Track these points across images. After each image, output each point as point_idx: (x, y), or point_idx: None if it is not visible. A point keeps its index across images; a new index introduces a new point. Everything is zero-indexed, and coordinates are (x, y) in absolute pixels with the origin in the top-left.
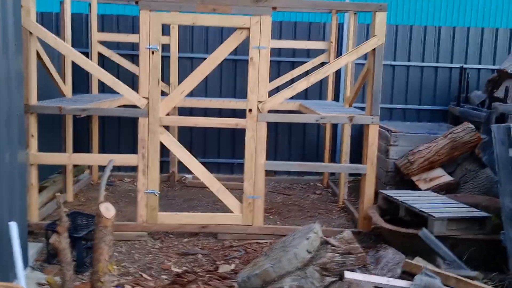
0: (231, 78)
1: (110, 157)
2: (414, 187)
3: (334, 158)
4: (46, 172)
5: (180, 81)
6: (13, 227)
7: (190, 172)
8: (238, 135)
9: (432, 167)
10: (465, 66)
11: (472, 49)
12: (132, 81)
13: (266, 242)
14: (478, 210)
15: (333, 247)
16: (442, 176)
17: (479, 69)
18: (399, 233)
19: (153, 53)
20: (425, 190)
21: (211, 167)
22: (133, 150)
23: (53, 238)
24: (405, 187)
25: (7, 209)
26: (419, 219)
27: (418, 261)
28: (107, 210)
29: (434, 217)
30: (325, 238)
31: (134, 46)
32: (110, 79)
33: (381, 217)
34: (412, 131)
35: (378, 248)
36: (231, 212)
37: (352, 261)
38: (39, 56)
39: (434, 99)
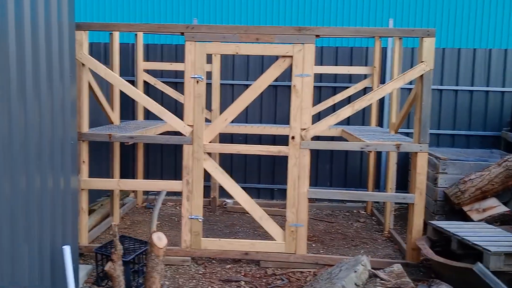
0: (272, 104)
1: (156, 183)
2: (465, 217)
3: (378, 184)
4: (94, 195)
5: (221, 107)
6: (67, 250)
7: (231, 197)
8: (278, 161)
9: (485, 197)
10: None
11: None
12: (175, 108)
13: (309, 271)
14: None
15: (382, 281)
16: (496, 207)
17: None
18: (452, 267)
19: (197, 82)
20: (478, 221)
21: (252, 192)
22: (175, 174)
23: (108, 265)
24: (455, 217)
25: (60, 233)
26: (473, 252)
27: None
28: (159, 239)
29: (490, 251)
30: (373, 271)
31: (178, 73)
32: (156, 108)
33: (431, 249)
34: (462, 158)
35: (431, 283)
36: (273, 238)
37: None
38: (90, 86)
39: (484, 124)
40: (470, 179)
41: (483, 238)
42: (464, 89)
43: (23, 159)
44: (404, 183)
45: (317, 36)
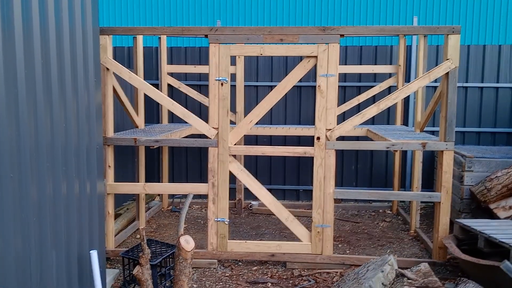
0: (296, 104)
1: (182, 187)
2: (492, 215)
3: (403, 184)
4: (120, 199)
5: (245, 108)
6: (94, 255)
7: (256, 198)
8: (303, 162)
9: (511, 194)
10: None
11: None
12: (199, 110)
13: (336, 272)
14: None
15: (409, 280)
16: None
17: None
18: (479, 265)
19: (222, 84)
20: (505, 218)
21: (277, 194)
22: (200, 177)
23: (136, 269)
24: (482, 215)
25: (87, 238)
26: (500, 249)
27: None
28: (187, 243)
29: None
30: (400, 270)
31: (201, 76)
32: (181, 111)
33: (458, 247)
34: (488, 155)
35: (458, 281)
36: (299, 240)
37: None
38: (114, 90)
39: (510, 121)
40: (496, 176)
41: (510, 235)
42: (490, 86)
43: (50, 165)
44: (429, 182)
45: (342, 35)
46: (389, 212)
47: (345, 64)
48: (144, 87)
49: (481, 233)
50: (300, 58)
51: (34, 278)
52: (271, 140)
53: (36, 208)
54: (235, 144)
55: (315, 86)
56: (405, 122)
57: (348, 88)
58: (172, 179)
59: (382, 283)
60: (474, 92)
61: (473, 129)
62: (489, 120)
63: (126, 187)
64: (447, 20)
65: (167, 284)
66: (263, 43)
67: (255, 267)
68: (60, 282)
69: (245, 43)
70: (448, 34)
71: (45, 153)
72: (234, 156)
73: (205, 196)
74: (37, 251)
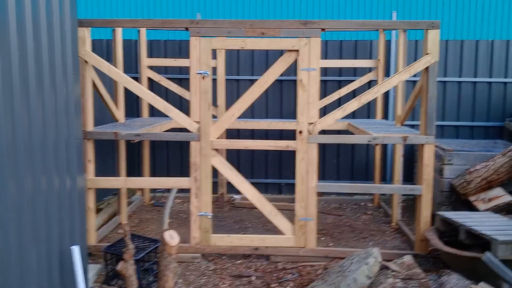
0: (277, 98)
1: (164, 181)
2: (471, 207)
3: (384, 177)
4: (101, 194)
5: (227, 102)
6: (75, 251)
7: (238, 192)
8: (285, 156)
9: (490, 187)
10: None
11: None
12: (180, 104)
13: (320, 265)
14: None
15: (393, 272)
16: (501, 196)
17: None
18: (461, 257)
19: (203, 78)
20: (484, 210)
21: (259, 187)
22: (181, 171)
23: (120, 265)
24: (462, 207)
25: (68, 233)
26: (481, 241)
27: (483, 287)
28: (171, 238)
29: (498, 240)
30: (384, 263)
31: (182, 69)
32: (162, 105)
33: (439, 240)
34: (467, 149)
35: (441, 273)
36: (282, 233)
37: (415, 287)
38: (93, 84)
39: (488, 115)
40: (476, 169)
41: (490, 227)
42: (468, 80)
43: (28, 160)
44: (409, 175)
45: (323, 29)
46: (370, 205)
47: (326, 59)
48: (124, 81)
49: (462, 225)
50: (282, 52)
51: (14, 274)
52: (253, 134)
53: (15, 204)
54: (217, 138)
55: (297, 80)
56: (386, 116)
57: (329, 82)
58: (153, 173)
59: (367, 276)
60: (453, 86)
61: (452, 123)
62: (467, 114)
63: (107, 182)
64: (424, 15)
65: (150, 279)
66: (245, 37)
67: (239, 261)
68: (41, 278)
69: (226, 37)
70: (427, 29)
71: (23, 148)
72: (216, 150)
73: (187, 191)
74: (17, 247)
